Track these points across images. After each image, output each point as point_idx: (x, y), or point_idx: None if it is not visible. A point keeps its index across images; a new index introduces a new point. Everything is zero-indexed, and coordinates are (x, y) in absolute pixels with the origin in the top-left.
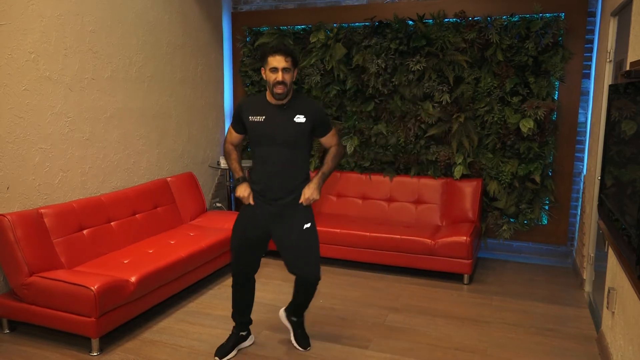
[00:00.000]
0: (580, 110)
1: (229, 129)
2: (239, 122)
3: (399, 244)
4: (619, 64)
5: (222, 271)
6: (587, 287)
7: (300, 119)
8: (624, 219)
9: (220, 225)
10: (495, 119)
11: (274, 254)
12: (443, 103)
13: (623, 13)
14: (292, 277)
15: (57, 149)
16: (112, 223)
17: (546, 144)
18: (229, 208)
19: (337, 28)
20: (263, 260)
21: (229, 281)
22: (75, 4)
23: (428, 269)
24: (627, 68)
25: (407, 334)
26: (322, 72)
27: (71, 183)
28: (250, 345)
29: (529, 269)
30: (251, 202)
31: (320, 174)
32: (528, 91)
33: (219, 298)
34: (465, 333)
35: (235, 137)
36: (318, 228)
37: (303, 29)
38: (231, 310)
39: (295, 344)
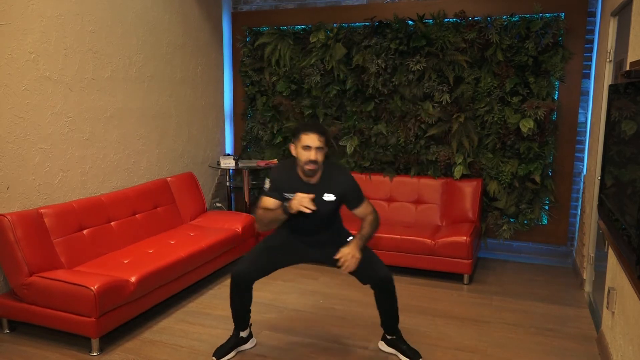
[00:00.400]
0: (580, 110)
1: (264, 199)
2: (276, 194)
3: (399, 244)
4: (619, 64)
5: (222, 271)
6: (587, 287)
7: (329, 197)
8: (624, 219)
9: (220, 225)
10: (495, 119)
11: None
12: (443, 103)
13: (623, 13)
14: (292, 278)
15: (57, 149)
16: (112, 223)
17: (546, 144)
18: (229, 208)
19: (337, 28)
20: None
21: (228, 281)
22: (75, 4)
23: (428, 269)
24: (627, 68)
25: (407, 334)
26: (322, 72)
27: (71, 183)
28: (251, 348)
29: (529, 269)
30: (312, 207)
31: (359, 235)
32: (528, 91)
33: (219, 298)
34: (465, 333)
35: (272, 203)
36: None
37: (303, 29)
38: (230, 313)
39: None
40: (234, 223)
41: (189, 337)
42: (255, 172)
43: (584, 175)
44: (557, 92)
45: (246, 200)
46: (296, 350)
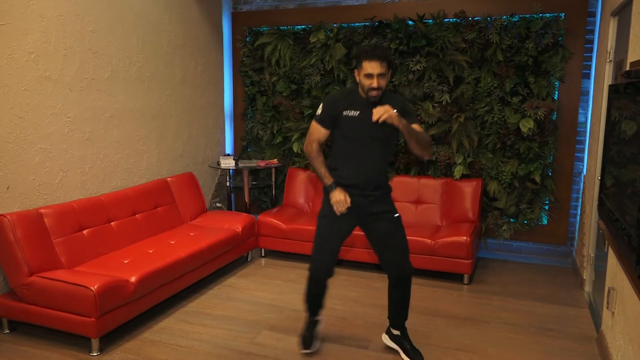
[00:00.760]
0: (580, 110)
1: (313, 126)
2: (330, 116)
3: None
4: (619, 64)
5: (222, 271)
6: (587, 287)
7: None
8: (624, 219)
9: (220, 225)
10: (495, 119)
11: (275, 255)
12: (443, 103)
13: (623, 13)
14: (292, 277)
15: (57, 149)
16: (112, 223)
17: (546, 144)
18: (229, 208)
19: (337, 28)
20: (264, 260)
21: (228, 281)
22: (75, 4)
23: (428, 269)
24: (627, 68)
25: None
26: (322, 72)
27: (71, 183)
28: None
29: (529, 269)
30: (348, 204)
31: (406, 122)
32: (528, 91)
33: (219, 298)
34: (465, 333)
35: (324, 134)
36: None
37: (303, 29)
38: (305, 305)
39: None
40: (234, 223)
41: (189, 337)
42: (255, 172)
43: (584, 175)
44: (557, 92)
45: (246, 200)
46: (296, 350)
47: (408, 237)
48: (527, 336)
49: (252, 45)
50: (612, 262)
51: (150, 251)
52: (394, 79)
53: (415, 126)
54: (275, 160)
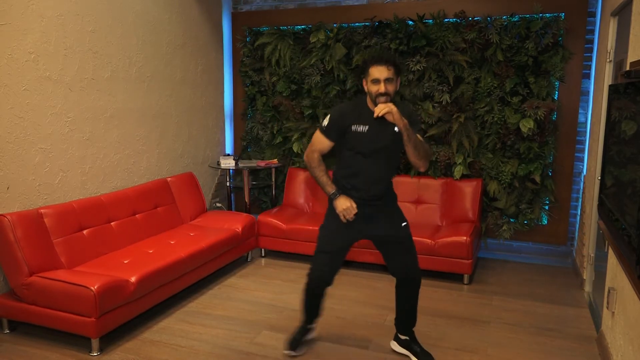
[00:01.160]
0: (580, 110)
1: (317, 136)
2: (337, 129)
3: None
4: (619, 64)
5: (222, 271)
6: (587, 287)
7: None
8: (624, 219)
9: (220, 225)
10: (495, 119)
11: (275, 255)
12: (443, 103)
13: (623, 13)
14: (292, 277)
15: (57, 149)
16: (112, 223)
17: (546, 144)
18: (229, 208)
19: (337, 28)
20: (264, 260)
21: (228, 281)
22: (75, 4)
23: (428, 269)
24: (627, 68)
25: None
26: (322, 72)
27: (71, 183)
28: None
29: (529, 269)
30: (354, 210)
31: (407, 123)
32: (528, 91)
33: (219, 298)
34: (465, 333)
35: (328, 145)
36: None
37: (303, 29)
38: (301, 311)
39: None
40: (234, 223)
41: (189, 337)
42: (255, 172)
43: (584, 175)
44: (557, 92)
45: (246, 200)
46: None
47: None
48: (527, 336)
49: (252, 45)
50: (612, 262)
51: (150, 251)
52: None
53: (418, 137)
54: (275, 160)
